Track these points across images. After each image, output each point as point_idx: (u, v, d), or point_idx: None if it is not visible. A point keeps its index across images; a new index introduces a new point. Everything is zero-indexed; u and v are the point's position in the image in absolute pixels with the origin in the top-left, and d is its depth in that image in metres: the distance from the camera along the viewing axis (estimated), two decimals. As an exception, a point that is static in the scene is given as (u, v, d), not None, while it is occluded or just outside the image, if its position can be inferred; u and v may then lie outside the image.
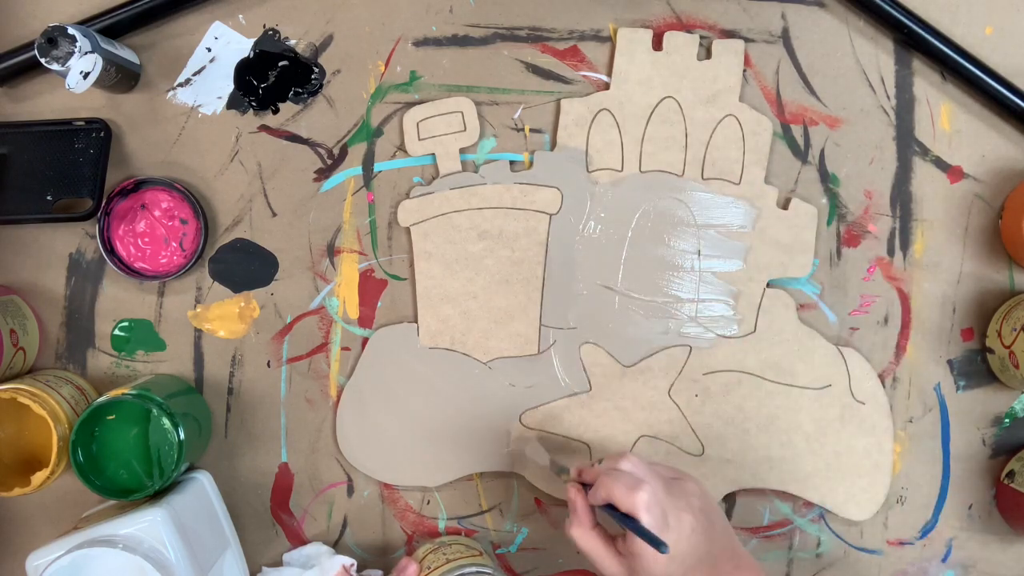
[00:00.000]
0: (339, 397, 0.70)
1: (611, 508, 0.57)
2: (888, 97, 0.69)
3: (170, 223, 0.69)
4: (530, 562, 0.71)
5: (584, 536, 0.58)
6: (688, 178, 0.69)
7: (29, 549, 0.61)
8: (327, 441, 0.71)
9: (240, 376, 0.70)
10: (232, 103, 0.70)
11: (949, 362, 0.70)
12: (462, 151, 0.69)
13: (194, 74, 0.69)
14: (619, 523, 0.56)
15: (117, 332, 0.70)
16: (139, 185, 0.68)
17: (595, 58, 0.69)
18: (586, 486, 0.60)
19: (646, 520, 0.55)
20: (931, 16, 0.68)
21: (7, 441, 0.66)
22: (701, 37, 0.69)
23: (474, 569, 0.62)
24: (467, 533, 0.71)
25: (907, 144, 0.70)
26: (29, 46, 0.66)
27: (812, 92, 0.69)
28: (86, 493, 0.64)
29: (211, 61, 0.69)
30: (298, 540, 0.71)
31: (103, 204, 0.68)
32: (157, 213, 0.69)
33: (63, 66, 0.61)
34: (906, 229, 0.70)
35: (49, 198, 0.68)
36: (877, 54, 0.69)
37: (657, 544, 0.54)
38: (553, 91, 0.69)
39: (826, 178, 0.70)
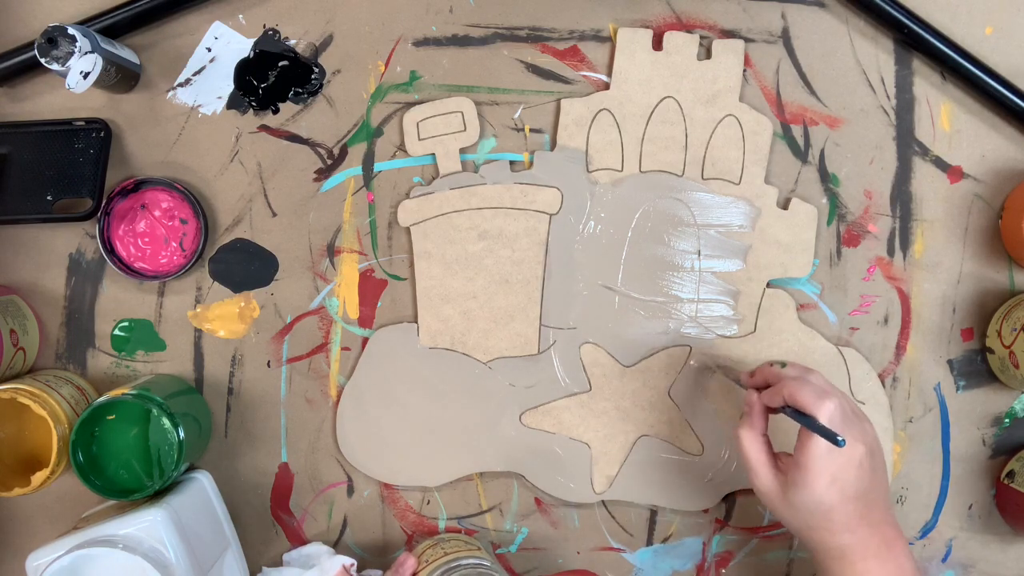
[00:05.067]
0: (339, 397, 0.70)
1: (788, 411, 0.58)
2: (888, 97, 0.69)
3: (170, 223, 0.69)
4: (530, 562, 0.71)
5: (752, 440, 0.59)
6: (688, 178, 0.69)
7: (29, 549, 0.61)
8: (327, 441, 0.71)
9: (240, 376, 0.70)
10: (232, 103, 0.70)
11: (949, 362, 0.70)
12: (462, 151, 0.69)
13: (194, 74, 0.69)
14: (797, 420, 0.57)
15: (117, 332, 0.70)
16: (139, 185, 0.68)
17: (595, 58, 0.69)
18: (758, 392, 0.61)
19: (827, 422, 0.56)
20: (931, 16, 0.68)
21: (7, 441, 0.66)
22: (701, 37, 0.69)
23: (473, 561, 0.62)
24: (467, 533, 0.71)
25: (907, 144, 0.70)
26: (29, 46, 0.66)
27: (812, 92, 0.69)
28: (86, 493, 0.64)
29: (211, 61, 0.69)
30: (298, 540, 0.71)
31: (103, 204, 0.68)
32: (157, 213, 0.69)
33: (63, 66, 0.61)
34: (906, 229, 0.70)
35: (49, 198, 0.68)
36: (877, 54, 0.69)
37: (834, 438, 0.54)
38: (553, 91, 0.69)
39: (826, 178, 0.70)
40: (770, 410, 0.61)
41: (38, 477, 0.63)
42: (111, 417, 0.63)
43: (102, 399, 0.62)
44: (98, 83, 0.63)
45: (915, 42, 0.68)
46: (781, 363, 0.61)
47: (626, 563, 0.71)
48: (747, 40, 0.69)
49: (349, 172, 0.70)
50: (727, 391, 0.69)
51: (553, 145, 0.69)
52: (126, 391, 0.63)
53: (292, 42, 0.69)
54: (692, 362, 0.69)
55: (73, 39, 0.61)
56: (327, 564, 0.67)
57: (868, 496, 0.57)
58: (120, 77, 0.66)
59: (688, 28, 0.69)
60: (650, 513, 0.71)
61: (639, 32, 0.68)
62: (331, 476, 0.71)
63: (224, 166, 0.70)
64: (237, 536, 0.69)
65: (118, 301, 0.70)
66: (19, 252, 0.70)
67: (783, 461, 0.59)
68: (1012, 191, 0.69)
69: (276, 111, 0.70)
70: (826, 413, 0.56)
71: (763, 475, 0.59)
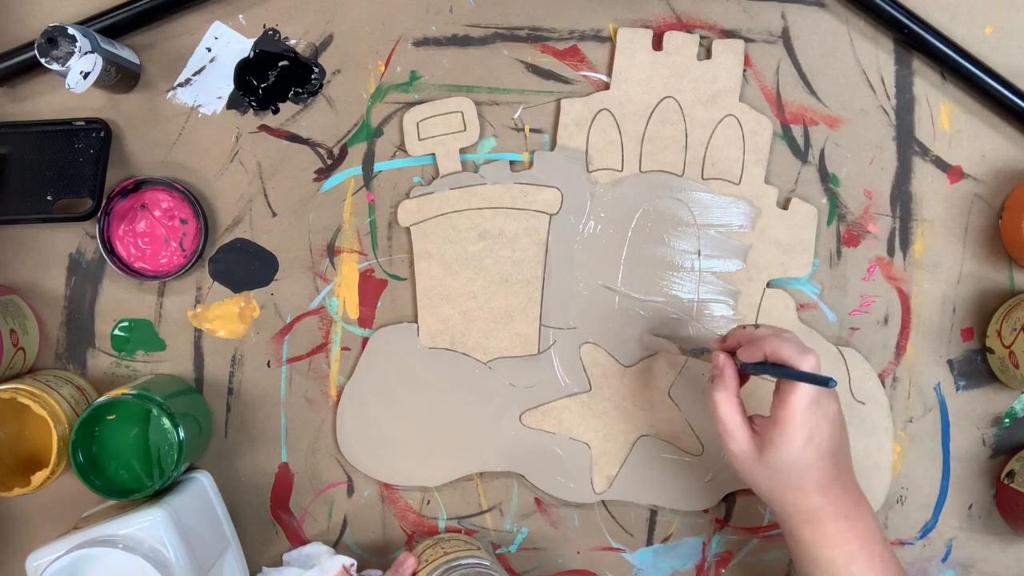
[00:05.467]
0: (339, 397, 0.70)
1: (769, 367, 0.58)
2: (888, 97, 0.69)
3: (170, 223, 0.69)
4: (530, 562, 0.71)
5: (728, 401, 0.59)
6: (688, 178, 0.69)
7: (29, 549, 0.61)
8: (327, 441, 0.71)
9: (240, 376, 0.70)
10: (232, 103, 0.70)
11: (949, 362, 0.70)
12: (462, 151, 0.69)
13: (194, 74, 0.69)
14: (779, 375, 0.57)
15: (117, 332, 0.70)
16: (139, 185, 0.68)
17: (595, 58, 0.69)
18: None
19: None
20: (931, 16, 0.68)
21: (7, 441, 0.66)
22: (701, 37, 0.69)
23: (472, 560, 0.62)
24: (467, 533, 0.71)
25: (907, 144, 0.70)
26: (29, 46, 0.66)
27: (812, 92, 0.69)
28: (86, 493, 0.64)
29: (211, 61, 0.69)
30: (298, 540, 0.71)
31: (103, 204, 0.68)
32: (157, 213, 0.69)
33: (63, 66, 0.61)
34: (906, 229, 0.70)
35: (49, 198, 0.68)
36: (877, 54, 0.69)
37: (824, 381, 0.54)
38: (553, 91, 0.69)
39: (826, 178, 0.70)
40: (740, 374, 0.61)
41: (38, 477, 0.63)
42: (111, 417, 0.63)
43: (102, 399, 0.62)
44: (98, 83, 0.63)
45: (915, 42, 0.68)
46: (755, 325, 0.61)
47: (626, 563, 0.71)
48: (747, 40, 0.69)
49: (349, 172, 0.70)
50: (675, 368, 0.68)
51: (553, 145, 0.69)
52: (126, 391, 0.63)
53: (292, 42, 0.69)
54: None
55: (73, 39, 0.61)
56: (327, 564, 0.67)
57: (839, 454, 0.58)
58: (120, 77, 0.66)
59: (688, 28, 0.69)
60: (650, 513, 0.71)
61: (639, 32, 0.68)
62: (331, 476, 0.71)
63: (224, 166, 0.70)
64: (237, 536, 0.69)
65: (118, 301, 0.70)
66: (19, 252, 0.70)
67: (757, 423, 0.59)
68: (1012, 191, 0.69)
69: (276, 111, 0.70)
70: (809, 364, 0.56)
71: (739, 437, 0.58)
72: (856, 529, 0.58)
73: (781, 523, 0.60)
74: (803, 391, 0.56)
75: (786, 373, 0.57)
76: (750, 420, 0.59)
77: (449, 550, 0.65)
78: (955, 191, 0.70)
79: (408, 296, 0.70)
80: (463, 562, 0.62)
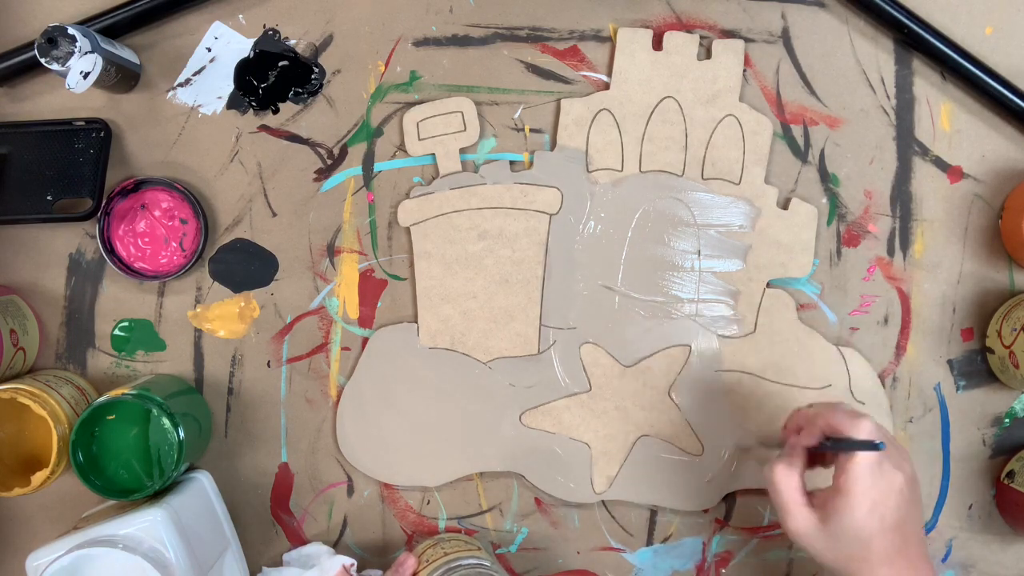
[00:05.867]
0: (339, 397, 0.70)
1: (828, 443, 0.57)
2: (888, 97, 0.69)
3: (170, 223, 0.69)
4: (530, 562, 0.71)
5: (787, 476, 0.58)
6: (688, 178, 0.69)
7: (29, 549, 0.61)
8: (327, 441, 0.71)
9: (240, 376, 0.70)
10: (232, 103, 0.70)
11: (949, 362, 0.70)
12: (462, 151, 0.69)
13: (194, 74, 0.69)
14: (836, 448, 0.57)
15: (117, 332, 0.70)
16: (139, 185, 0.68)
17: (595, 58, 0.69)
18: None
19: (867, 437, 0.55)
20: (931, 16, 0.68)
21: (7, 441, 0.66)
22: (701, 37, 0.69)
23: (472, 560, 0.62)
24: (467, 533, 0.71)
25: (907, 144, 0.70)
26: (29, 46, 0.66)
27: (812, 92, 0.69)
28: (86, 493, 0.64)
29: (211, 61, 0.69)
30: (298, 540, 0.71)
31: (103, 204, 0.68)
32: (157, 213, 0.69)
33: (63, 66, 0.61)
34: (906, 229, 0.70)
35: (49, 198, 0.68)
36: (877, 54, 0.69)
37: (874, 445, 0.54)
38: (553, 91, 0.69)
39: (826, 178, 0.70)
40: (810, 456, 0.60)
41: (38, 477, 0.63)
42: (111, 417, 0.63)
43: (102, 399, 0.62)
44: (98, 83, 0.63)
45: (915, 42, 0.68)
46: (808, 406, 0.62)
47: (626, 563, 0.71)
48: (747, 40, 0.69)
49: (349, 172, 0.70)
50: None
51: (553, 145, 0.69)
52: (126, 391, 0.63)
53: (292, 42, 0.69)
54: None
55: (73, 39, 0.61)
56: (327, 564, 0.67)
57: (906, 528, 0.57)
58: (120, 77, 0.66)
59: (688, 28, 0.69)
60: (650, 513, 0.71)
61: (639, 32, 0.68)
62: (331, 476, 0.71)
63: (224, 166, 0.70)
64: (237, 536, 0.69)
65: (118, 301, 0.70)
66: (19, 252, 0.70)
67: (816, 497, 0.58)
68: (1012, 191, 0.69)
69: (276, 111, 0.70)
70: (864, 429, 0.56)
71: (797, 514, 0.58)
72: None
73: None
74: (862, 458, 0.55)
75: (841, 445, 0.57)
76: (809, 495, 0.59)
77: (449, 550, 0.65)
78: (955, 191, 0.70)
79: (408, 296, 0.70)
80: (463, 562, 0.62)
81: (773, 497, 0.59)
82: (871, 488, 0.55)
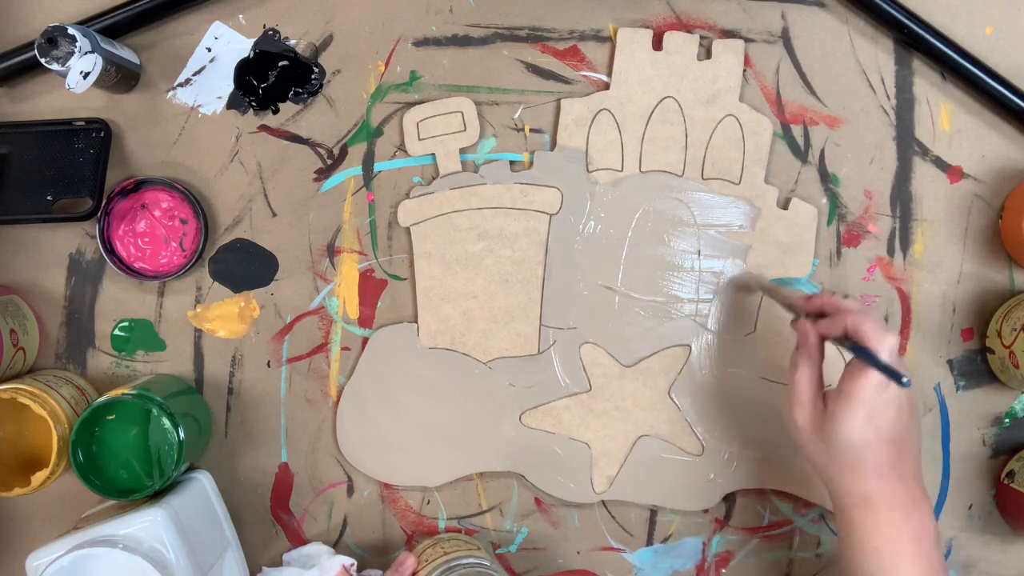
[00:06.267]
0: (339, 397, 0.70)
1: (847, 343, 0.57)
2: (888, 97, 0.69)
3: (170, 223, 0.69)
4: (530, 562, 0.71)
5: (807, 371, 0.58)
6: (688, 178, 0.69)
7: (29, 549, 0.61)
8: (327, 441, 0.71)
9: (240, 376, 0.70)
10: (232, 103, 0.70)
11: (949, 362, 0.70)
12: (462, 151, 0.69)
13: (194, 74, 0.69)
14: (855, 353, 0.56)
15: (117, 332, 0.70)
16: (139, 185, 0.68)
17: (595, 58, 0.69)
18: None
19: (888, 359, 0.55)
20: (931, 16, 0.68)
21: (7, 441, 0.66)
22: (701, 37, 0.69)
23: (471, 560, 0.62)
24: (467, 533, 0.71)
25: (907, 144, 0.70)
26: (29, 46, 0.66)
27: (812, 92, 0.69)
28: (86, 493, 0.64)
29: (211, 61, 0.69)
30: (298, 540, 0.71)
31: (103, 204, 0.68)
32: (157, 213, 0.69)
33: (63, 66, 0.61)
34: (906, 229, 0.70)
35: (49, 198, 0.68)
36: (877, 54, 0.69)
37: (898, 377, 0.54)
38: (553, 91, 0.69)
39: (826, 178, 0.70)
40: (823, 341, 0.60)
41: (38, 477, 0.63)
42: (111, 417, 0.63)
43: (102, 399, 0.62)
44: (98, 83, 0.63)
45: (915, 42, 0.68)
46: (844, 295, 0.60)
47: (626, 563, 0.71)
48: (747, 40, 0.69)
49: (349, 172, 0.70)
50: (769, 321, 0.67)
51: (553, 145, 0.69)
52: (126, 391, 0.63)
53: (292, 42, 0.69)
54: (726, 281, 0.67)
55: (73, 39, 0.61)
56: (327, 564, 0.67)
57: (902, 444, 0.57)
58: (120, 77, 0.66)
59: (688, 28, 0.69)
60: (650, 513, 0.71)
61: (639, 32, 0.68)
62: (331, 476, 0.71)
63: (224, 166, 0.70)
64: (237, 536, 0.69)
65: (118, 301, 0.70)
66: (19, 252, 0.70)
67: (826, 396, 0.58)
68: (1012, 191, 0.69)
69: (276, 111, 0.70)
70: (888, 348, 0.55)
71: (807, 406, 0.58)
72: (910, 523, 0.57)
73: (835, 504, 0.59)
74: (873, 371, 0.55)
75: (862, 355, 0.55)
76: (822, 394, 0.58)
77: (449, 550, 0.65)
78: (955, 191, 0.70)
79: (408, 296, 0.70)
80: (463, 562, 0.62)
81: (790, 385, 0.59)
82: (872, 398, 0.55)
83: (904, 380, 0.54)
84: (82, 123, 0.68)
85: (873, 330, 0.56)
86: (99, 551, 0.58)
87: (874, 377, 0.55)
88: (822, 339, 0.59)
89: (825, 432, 0.57)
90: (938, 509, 0.71)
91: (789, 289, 0.67)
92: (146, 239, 0.69)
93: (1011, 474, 0.69)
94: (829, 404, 0.57)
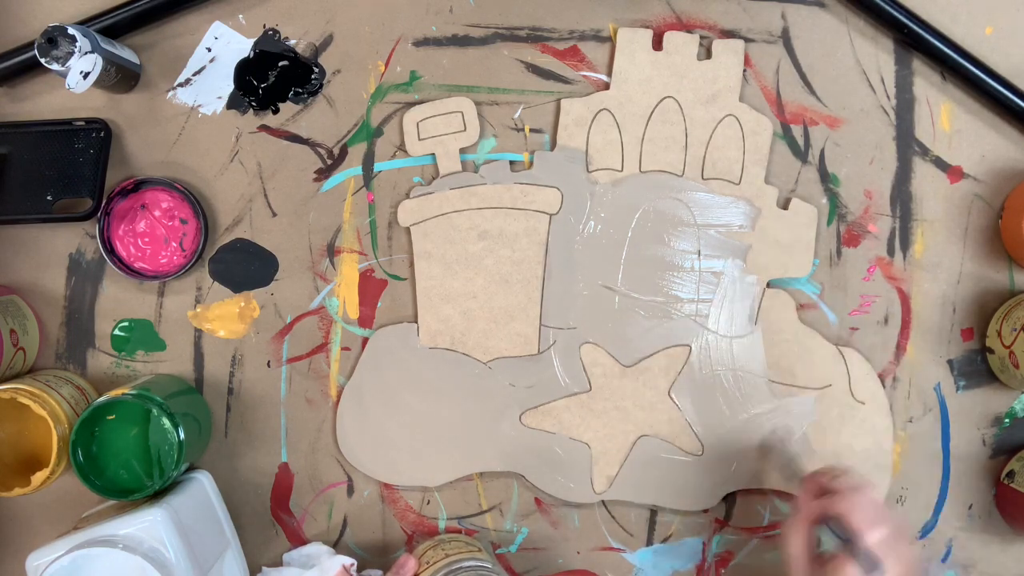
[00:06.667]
0: (339, 397, 0.70)
1: (833, 527, 0.58)
2: (888, 97, 0.69)
3: (170, 223, 0.69)
4: (530, 562, 0.71)
5: (800, 535, 0.60)
6: (688, 178, 0.69)
7: (29, 549, 0.61)
8: (327, 441, 0.71)
9: (240, 376, 0.70)
10: (232, 103, 0.70)
11: (949, 362, 0.70)
12: (462, 151, 0.69)
13: (194, 74, 0.69)
14: (840, 538, 0.57)
15: (117, 332, 0.70)
16: (139, 185, 0.68)
17: (595, 58, 0.69)
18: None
19: (872, 550, 0.56)
20: (931, 16, 0.68)
21: (7, 441, 0.66)
22: (701, 37, 0.69)
23: (473, 563, 0.62)
24: (467, 533, 0.71)
25: (907, 144, 0.70)
26: (29, 46, 0.66)
27: (812, 92, 0.69)
28: (86, 493, 0.64)
29: (211, 61, 0.69)
30: (298, 540, 0.71)
31: (103, 204, 0.68)
32: (157, 213, 0.69)
33: (63, 66, 0.61)
34: (906, 229, 0.70)
35: (49, 198, 0.68)
36: (877, 54, 0.69)
37: (875, 565, 0.55)
38: (553, 91, 0.69)
39: (826, 178, 0.70)
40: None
41: (38, 477, 0.63)
42: (111, 417, 0.63)
43: (102, 399, 0.62)
44: (98, 83, 0.63)
45: (915, 42, 0.68)
46: (842, 470, 0.62)
47: (626, 563, 0.71)
48: (747, 40, 0.69)
49: (349, 172, 0.70)
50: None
51: (553, 145, 0.69)
52: (126, 391, 0.63)
53: (292, 42, 0.69)
54: (759, 442, 0.69)
55: (73, 39, 0.61)
56: (327, 564, 0.67)
57: None
58: (120, 77, 0.66)
59: (688, 28, 0.69)
60: (650, 513, 0.71)
61: (639, 32, 0.68)
62: (331, 476, 0.71)
63: (224, 166, 0.70)
64: (237, 536, 0.69)
65: (118, 301, 0.70)
66: (19, 252, 0.70)
67: (819, 565, 0.59)
68: (1012, 191, 0.69)
69: (276, 111, 0.70)
70: (876, 538, 0.56)
71: (801, 572, 0.59)
72: None
73: None
74: (854, 567, 0.56)
75: (842, 543, 0.57)
76: (818, 558, 0.59)
77: (450, 552, 0.65)
78: (955, 191, 0.70)
79: (408, 296, 0.70)
80: (465, 564, 0.62)
81: (783, 551, 0.60)
82: None
83: (880, 567, 0.55)
84: (82, 123, 0.68)
85: (861, 520, 0.57)
86: (99, 551, 0.58)
87: (853, 571, 0.56)
88: (818, 515, 0.60)
89: None
90: (938, 509, 0.71)
91: (802, 469, 0.67)
92: (146, 239, 0.69)
93: (1011, 474, 0.69)
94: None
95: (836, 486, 0.60)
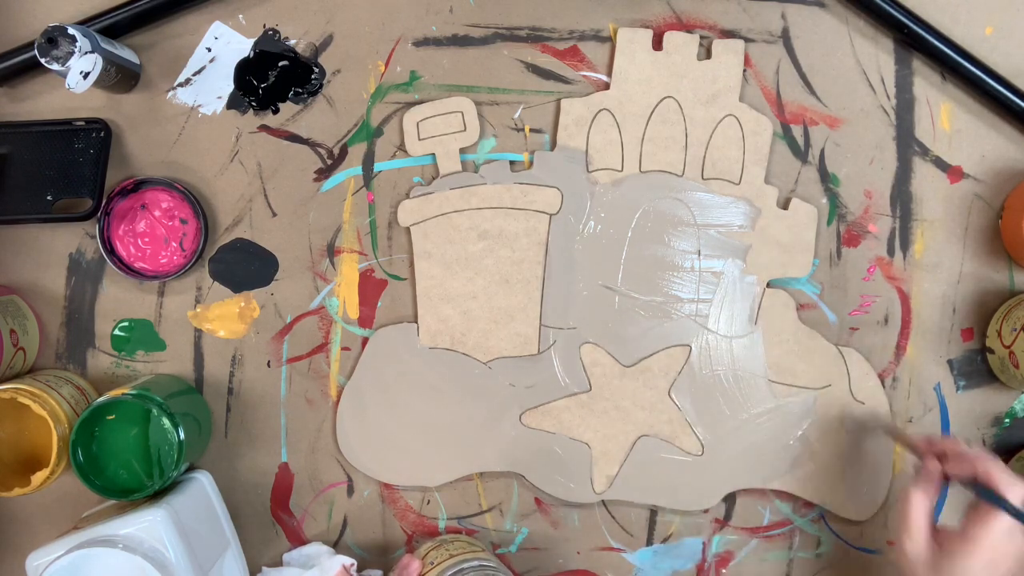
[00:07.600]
0: (339, 397, 0.70)
1: (977, 487, 0.58)
2: (888, 97, 0.69)
3: (170, 223, 0.69)
4: (530, 562, 0.71)
5: (921, 504, 0.60)
6: (688, 178, 0.69)
7: (29, 549, 0.61)
8: (327, 441, 0.71)
9: (240, 376, 0.70)
10: (232, 103, 0.70)
11: (949, 362, 0.70)
12: (462, 151, 0.69)
13: (194, 74, 0.69)
14: (984, 497, 0.57)
15: (117, 332, 0.70)
16: (139, 185, 0.68)
17: (595, 58, 0.69)
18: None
19: (1019, 506, 0.56)
20: (931, 16, 0.68)
21: (7, 441, 0.66)
22: (701, 37, 0.69)
23: (477, 563, 0.62)
24: (467, 533, 0.71)
25: (907, 144, 0.70)
26: (29, 46, 0.66)
27: (812, 92, 0.69)
28: (86, 493, 0.64)
29: (211, 61, 0.69)
30: (298, 540, 0.71)
31: (103, 204, 0.68)
32: (157, 213, 0.69)
33: (63, 66, 0.61)
34: (906, 229, 0.70)
35: (49, 198, 0.68)
36: (877, 54, 0.69)
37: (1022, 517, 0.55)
38: (553, 91, 0.69)
39: (826, 178, 0.70)
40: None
41: (38, 477, 0.63)
42: (111, 417, 0.63)
43: (102, 399, 0.62)
44: (98, 83, 0.63)
45: (915, 42, 0.68)
46: (966, 441, 0.63)
47: (626, 563, 0.71)
48: (747, 40, 0.69)
49: (349, 172, 0.70)
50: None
51: (553, 145, 0.69)
52: (126, 391, 0.63)
53: (292, 42, 0.69)
54: (847, 425, 0.69)
55: (73, 39, 0.61)
56: (327, 564, 0.67)
57: None
58: (120, 77, 0.66)
59: (688, 28, 0.69)
60: (650, 513, 0.71)
61: (639, 32, 0.68)
62: (331, 476, 0.71)
63: (224, 166, 0.70)
64: (237, 536, 0.69)
65: (118, 301, 0.70)
66: (19, 252, 0.70)
67: (940, 533, 0.59)
68: (1012, 191, 0.69)
69: (276, 111, 0.70)
70: (1017, 495, 0.57)
71: (919, 540, 0.59)
72: None
73: None
74: (1002, 518, 0.56)
75: (993, 500, 0.57)
76: (934, 529, 0.60)
77: (455, 552, 0.65)
78: (955, 191, 0.70)
79: (408, 296, 0.70)
80: (471, 564, 0.62)
81: (901, 515, 0.60)
82: (997, 545, 0.56)
83: None
84: (82, 123, 0.68)
85: (1003, 477, 0.57)
86: (99, 551, 0.58)
87: (1003, 523, 0.56)
88: (945, 479, 0.61)
89: (941, 567, 0.57)
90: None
91: (912, 435, 0.68)
92: (146, 239, 0.69)
93: (1011, 474, 0.69)
94: (946, 543, 0.58)
95: (965, 450, 0.60)
